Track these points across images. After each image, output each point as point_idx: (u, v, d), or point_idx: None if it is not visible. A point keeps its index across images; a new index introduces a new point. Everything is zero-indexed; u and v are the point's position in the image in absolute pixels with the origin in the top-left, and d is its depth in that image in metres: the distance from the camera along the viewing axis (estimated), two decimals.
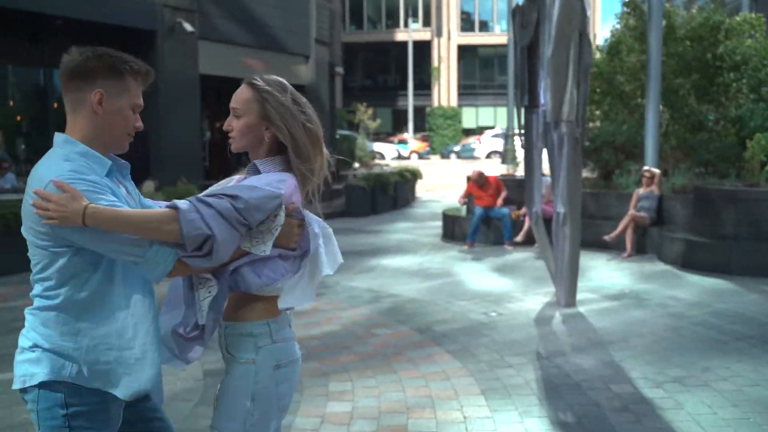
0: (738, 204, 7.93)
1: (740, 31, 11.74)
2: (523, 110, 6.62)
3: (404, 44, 42.73)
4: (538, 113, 6.35)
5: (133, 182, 2.09)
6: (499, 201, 9.82)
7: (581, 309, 6.16)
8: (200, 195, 1.90)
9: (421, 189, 18.09)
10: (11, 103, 14.05)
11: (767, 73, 11.25)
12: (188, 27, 12.02)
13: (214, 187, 2.02)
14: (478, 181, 9.83)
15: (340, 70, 19.71)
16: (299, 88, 10.65)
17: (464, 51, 45.34)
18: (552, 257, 6.70)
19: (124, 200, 1.91)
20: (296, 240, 1.99)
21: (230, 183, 2.08)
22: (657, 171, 9.45)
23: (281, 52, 14.70)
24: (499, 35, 44.46)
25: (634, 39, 12.28)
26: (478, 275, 7.78)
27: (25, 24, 11.83)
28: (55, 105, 13.94)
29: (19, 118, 13.91)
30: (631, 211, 9.05)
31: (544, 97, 6.20)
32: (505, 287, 7.12)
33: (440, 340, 5.19)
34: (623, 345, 5.07)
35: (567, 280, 6.25)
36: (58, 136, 1.89)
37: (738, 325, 5.55)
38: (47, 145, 1.95)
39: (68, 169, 1.80)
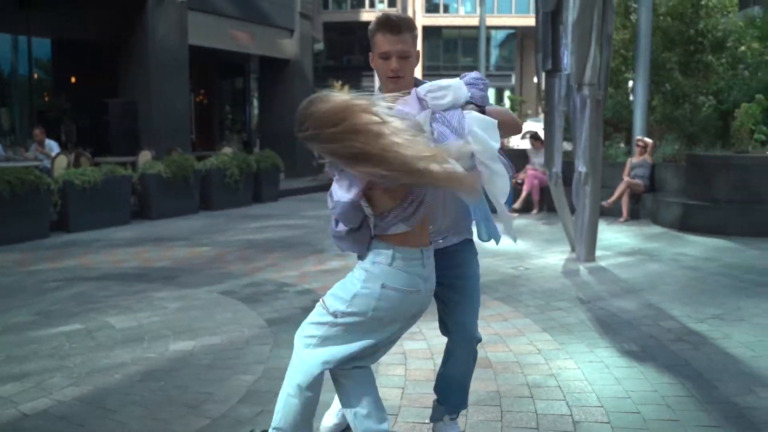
0: (731, 170, 8.39)
1: (718, 9, 12.28)
2: (544, 74, 6.86)
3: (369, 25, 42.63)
4: (561, 77, 6.61)
5: None
6: None
7: (601, 263, 6.49)
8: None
9: None
10: None
11: (744, 52, 11.84)
12: None
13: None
14: None
15: (319, 46, 19.67)
16: (284, 62, 11.08)
17: (429, 32, 45.52)
18: (568, 217, 7.01)
19: None
20: None
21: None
22: (650, 140, 9.87)
23: (267, 25, 14.63)
24: (463, 17, 44.84)
25: (618, 15, 12.67)
26: None
27: None
28: (35, 75, 13.62)
29: None
30: (627, 178, 9.45)
31: (568, 62, 6.45)
32: (520, 247, 7.40)
33: (484, 290, 5.40)
34: (654, 292, 5.40)
35: (587, 237, 6.56)
36: None
37: (752, 274, 5.96)
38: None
39: None
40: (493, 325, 4.50)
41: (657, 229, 8.57)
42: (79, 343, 4.30)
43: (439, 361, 3.82)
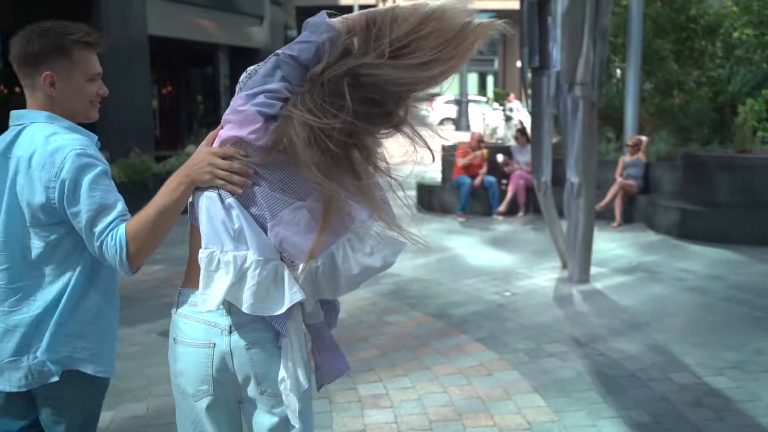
0: (733, 171, 7.71)
1: None
2: (530, 72, 6.11)
3: (351, 9, 41.57)
4: (549, 75, 5.86)
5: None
6: (484, 168, 9.45)
7: (597, 285, 5.79)
8: None
9: None
10: None
11: (739, 37, 11.16)
12: None
13: None
14: (476, 147, 9.50)
15: (293, 33, 18.77)
16: (253, 51, 9.99)
17: None
18: (559, 231, 6.30)
19: None
20: None
21: None
22: (643, 138, 9.18)
23: (235, 12, 13.73)
24: None
25: None
26: (473, 249, 7.32)
27: None
28: None
29: None
30: (619, 179, 8.75)
31: (557, 58, 5.70)
32: (506, 262, 6.69)
33: (464, 327, 4.70)
34: (659, 326, 4.71)
35: (581, 255, 5.85)
36: (38, 114, 1.84)
37: (765, 298, 5.29)
38: None
39: (81, 143, 1.80)
40: (475, 382, 3.78)
41: (653, 236, 7.89)
42: None
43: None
